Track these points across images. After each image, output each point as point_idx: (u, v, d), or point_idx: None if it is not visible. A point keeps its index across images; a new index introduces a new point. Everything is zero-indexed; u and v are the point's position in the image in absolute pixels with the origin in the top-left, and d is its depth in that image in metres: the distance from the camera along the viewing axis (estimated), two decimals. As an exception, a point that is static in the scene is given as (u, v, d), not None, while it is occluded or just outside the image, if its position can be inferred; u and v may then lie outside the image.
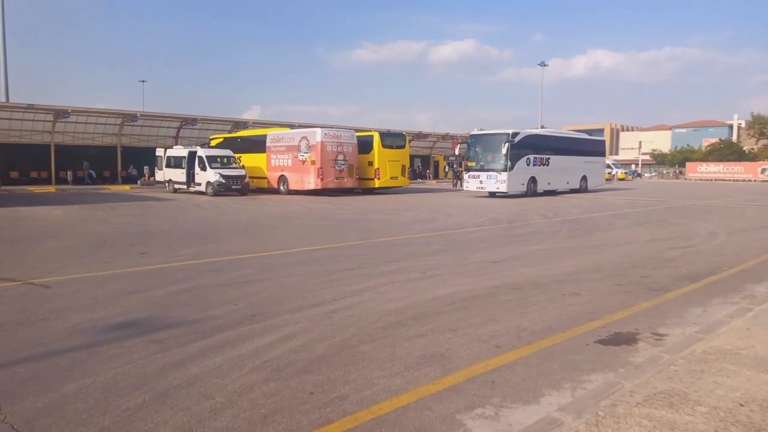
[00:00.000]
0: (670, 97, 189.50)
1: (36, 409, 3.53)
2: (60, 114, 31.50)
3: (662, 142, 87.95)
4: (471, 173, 26.34)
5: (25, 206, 19.48)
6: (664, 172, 71.05)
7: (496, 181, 24.88)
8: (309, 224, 15.03)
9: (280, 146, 28.08)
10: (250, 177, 27.40)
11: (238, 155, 28.56)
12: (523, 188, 25.68)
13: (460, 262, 9.06)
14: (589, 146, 31.98)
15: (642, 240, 11.75)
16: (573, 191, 29.52)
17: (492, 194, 25.93)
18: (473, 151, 26.31)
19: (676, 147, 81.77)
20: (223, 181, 25.96)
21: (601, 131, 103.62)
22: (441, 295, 6.58)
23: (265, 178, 28.78)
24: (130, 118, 34.53)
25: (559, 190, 28.92)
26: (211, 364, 4.31)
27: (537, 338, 5.00)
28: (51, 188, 30.12)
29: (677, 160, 73.95)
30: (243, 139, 31.71)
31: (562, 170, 28.35)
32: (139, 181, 33.98)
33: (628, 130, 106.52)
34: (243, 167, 27.59)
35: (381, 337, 5.00)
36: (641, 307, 6.17)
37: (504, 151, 24.52)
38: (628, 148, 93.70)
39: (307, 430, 3.27)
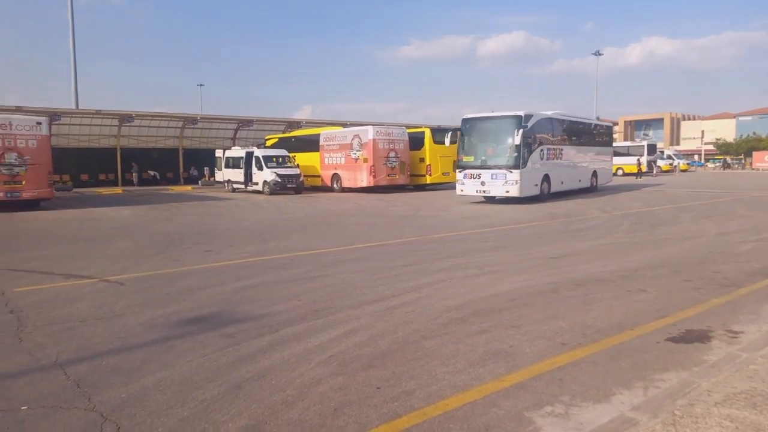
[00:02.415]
0: (732, 83, 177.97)
1: (121, 399, 3.75)
2: (125, 119, 33.08)
3: (726, 130, 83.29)
4: (467, 171, 19.70)
5: (96, 207, 20.59)
6: (729, 162, 67.33)
7: (505, 182, 18.58)
8: (364, 221, 15.18)
9: (333, 145, 28.47)
10: (304, 175, 27.93)
11: (293, 154, 29.15)
12: (537, 190, 19.66)
13: (518, 258, 8.94)
14: (599, 133, 26.24)
15: (710, 233, 11.23)
16: (584, 191, 23.60)
17: (489, 200, 20.26)
18: (469, 141, 19.89)
19: (741, 136, 77.29)
20: (279, 180, 26.58)
21: (660, 121, 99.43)
22: (501, 292, 6.53)
23: (318, 176, 29.25)
24: (190, 121, 35.85)
25: (567, 191, 22.16)
26: (279, 357, 4.45)
27: (603, 336, 4.88)
28: (118, 189, 31.70)
29: (743, 149, 69.95)
30: (297, 138, 32.33)
31: (574, 164, 22.81)
32: (200, 182, 35.26)
33: (689, 119, 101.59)
34: (298, 166, 28.14)
35: (443, 333, 5.01)
36: (713, 303, 5.92)
37: (516, 140, 18.20)
38: (690, 138, 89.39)
39: (376, 423, 3.33)
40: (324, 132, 29.96)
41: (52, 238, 12.46)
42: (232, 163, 29.89)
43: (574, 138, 22.93)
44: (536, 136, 19.46)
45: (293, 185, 26.97)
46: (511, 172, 18.55)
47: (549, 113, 21.33)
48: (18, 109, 26.82)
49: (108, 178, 35.16)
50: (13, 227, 14.76)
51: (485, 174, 19.14)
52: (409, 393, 3.74)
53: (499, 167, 18.87)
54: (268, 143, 32.83)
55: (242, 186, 28.90)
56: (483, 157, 19.45)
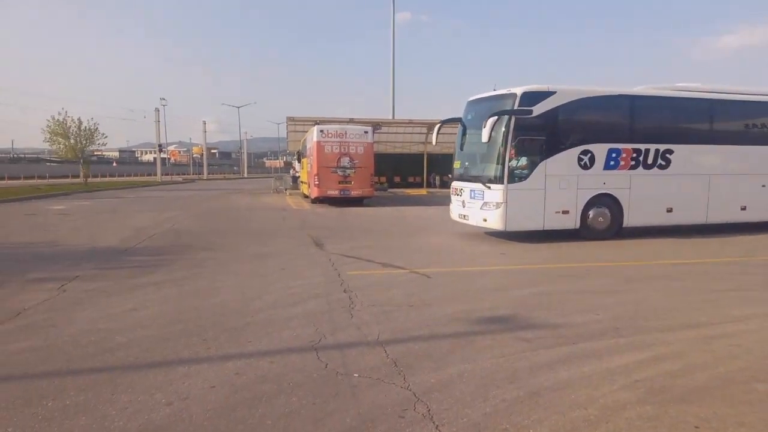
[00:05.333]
0: None
1: (430, 384, 4.15)
2: (432, 127, 36.37)
3: None
4: (454, 185, 13.17)
5: (405, 206, 23.26)
6: None
7: (484, 204, 11.57)
8: (672, 234, 13.53)
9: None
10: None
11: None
12: (568, 220, 11.63)
13: None
14: None
15: None
16: (755, 227, 13.36)
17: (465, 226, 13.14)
18: (462, 137, 13.03)
19: None
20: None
21: None
22: None
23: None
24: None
25: (693, 225, 12.96)
26: (578, 372, 4.33)
27: None
28: (423, 191, 35.11)
29: None
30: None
31: (708, 178, 12.65)
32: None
33: None
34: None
35: (783, 379, 4.15)
36: None
37: (499, 137, 11.01)
38: None
39: (694, 467, 2.97)
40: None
41: (372, 231, 14.51)
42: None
43: (716, 129, 12.87)
44: (563, 128, 11.50)
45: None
46: (489, 188, 11.37)
47: (639, 89, 12.82)
48: (351, 121, 31.96)
49: (415, 180, 39.26)
50: (344, 220, 17.70)
51: (466, 190, 12.36)
52: (738, 441, 3.22)
53: (475, 179, 12.01)
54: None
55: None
56: (466, 163, 12.81)
